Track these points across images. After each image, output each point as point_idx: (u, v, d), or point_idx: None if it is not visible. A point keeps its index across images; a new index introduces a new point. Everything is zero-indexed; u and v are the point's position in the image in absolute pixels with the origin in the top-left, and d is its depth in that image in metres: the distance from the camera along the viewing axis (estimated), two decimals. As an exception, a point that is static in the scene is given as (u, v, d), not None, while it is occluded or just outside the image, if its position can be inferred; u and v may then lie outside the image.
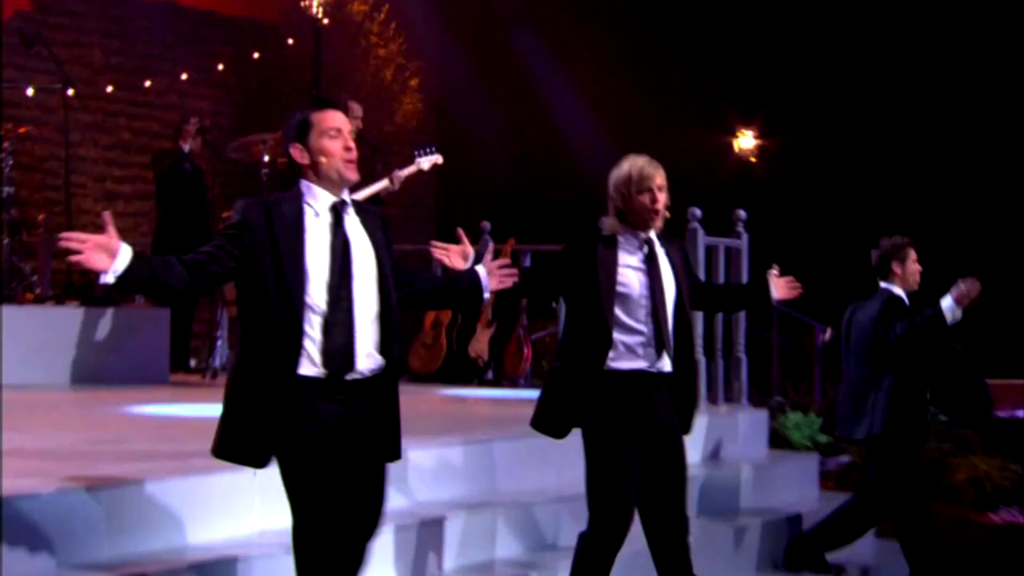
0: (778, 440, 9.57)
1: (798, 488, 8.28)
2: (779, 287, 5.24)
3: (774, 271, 5.25)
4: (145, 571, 4.30)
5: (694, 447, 7.53)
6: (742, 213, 8.53)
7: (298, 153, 3.95)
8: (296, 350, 3.80)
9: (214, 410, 3.92)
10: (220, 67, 14.32)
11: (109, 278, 3.58)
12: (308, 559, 3.89)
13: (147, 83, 13.73)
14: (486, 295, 4.38)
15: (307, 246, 3.84)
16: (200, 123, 10.42)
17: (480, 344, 9.79)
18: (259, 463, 3.92)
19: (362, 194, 8.84)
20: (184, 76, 13.97)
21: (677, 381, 4.96)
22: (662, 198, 4.87)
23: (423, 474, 5.65)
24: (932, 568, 7.07)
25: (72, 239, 3.56)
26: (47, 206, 12.13)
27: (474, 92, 16.55)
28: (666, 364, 4.90)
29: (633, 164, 4.92)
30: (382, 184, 8.92)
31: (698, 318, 8.47)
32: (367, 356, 3.92)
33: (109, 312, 9.59)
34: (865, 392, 6.98)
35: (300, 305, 3.80)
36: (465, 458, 6.03)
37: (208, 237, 10.25)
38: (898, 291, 7.02)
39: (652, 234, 4.92)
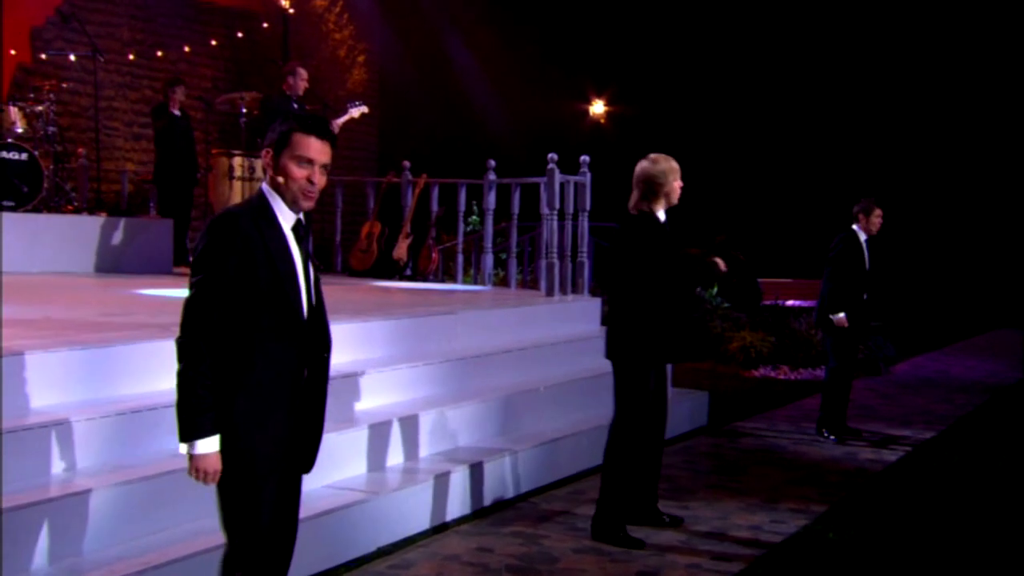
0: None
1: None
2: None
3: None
4: (149, 403, 4.15)
5: (552, 323, 7.48)
6: (585, 158, 8.40)
7: (268, 160, 2.89)
8: (301, 356, 2.91)
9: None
10: (214, 43, 13.95)
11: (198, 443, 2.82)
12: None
13: (159, 53, 13.24)
14: None
15: (297, 262, 2.90)
16: (183, 87, 9.99)
17: (401, 250, 9.64)
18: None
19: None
20: (187, 49, 13.57)
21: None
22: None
23: (352, 338, 5.54)
24: None
25: None
26: (87, 144, 11.71)
27: (406, 67, 16.32)
28: None
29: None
30: None
31: (554, 225, 8.31)
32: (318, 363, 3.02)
33: (126, 220, 9.30)
34: None
35: (301, 315, 2.90)
36: (385, 329, 5.95)
37: (196, 167, 10.03)
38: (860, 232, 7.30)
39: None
